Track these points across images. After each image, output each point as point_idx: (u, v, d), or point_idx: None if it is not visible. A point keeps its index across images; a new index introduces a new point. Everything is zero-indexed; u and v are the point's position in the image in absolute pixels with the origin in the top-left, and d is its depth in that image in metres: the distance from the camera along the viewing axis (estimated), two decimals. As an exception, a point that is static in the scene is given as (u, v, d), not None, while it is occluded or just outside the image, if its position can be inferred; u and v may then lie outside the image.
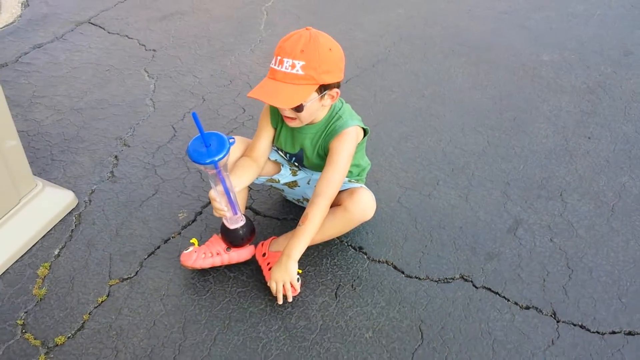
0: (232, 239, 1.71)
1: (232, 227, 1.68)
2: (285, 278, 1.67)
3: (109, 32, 3.18)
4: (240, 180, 1.72)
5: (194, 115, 1.38)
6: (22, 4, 3.51)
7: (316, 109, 1.66)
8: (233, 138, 1.50)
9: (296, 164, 1.90)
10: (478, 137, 2.39)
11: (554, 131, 2.40)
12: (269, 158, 1.89)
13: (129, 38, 3.13)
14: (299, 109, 1.61)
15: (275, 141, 1.85)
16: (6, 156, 1.89)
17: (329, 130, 1.73)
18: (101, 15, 3.33)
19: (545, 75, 2.73)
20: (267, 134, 1.82)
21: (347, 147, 1.71)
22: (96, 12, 3.35)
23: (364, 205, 1.76)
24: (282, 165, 1.93)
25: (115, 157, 2.35)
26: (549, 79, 2.70)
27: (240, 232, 1.69)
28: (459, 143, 2.36)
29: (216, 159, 1.42)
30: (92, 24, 3.26)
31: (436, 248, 1.90)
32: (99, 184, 2.21)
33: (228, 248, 1.79)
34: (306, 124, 1.72)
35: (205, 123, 2.51)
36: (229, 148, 1.45)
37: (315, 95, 1.60)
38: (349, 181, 1.87)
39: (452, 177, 2.19)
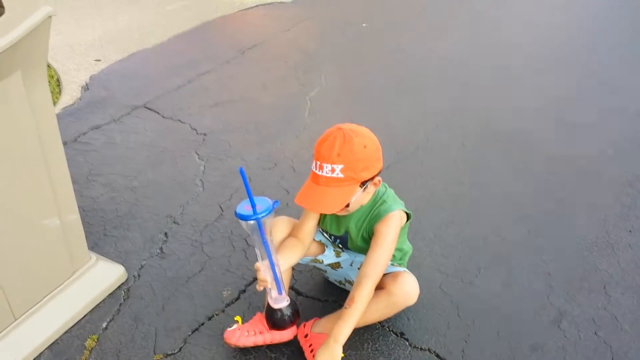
0: (275, 319, 1.72)
1: (276, 306, 1.70)
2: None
3: (163, 117, 3.39)
4: (286, 258, 1.77)
5: (241, 171, 1.47)
6: (82, 88, 3.78)
7: (361, 199, 1.74)
8: (278, 202, 1.57)
9: (340, 245, 1.96)
10: (519, 226, 2.42)
11: (594, 223, 2.42)
12: (314, 239, 1.95)
13: (181, 122, 3.32)
14: (347, 204, 1.69)
15: (320, 223, 1.92)
16: (66, 229, 2.00)
17: (374, 214, 1.79)
18: (156, 101, 3.56)
19: (583, 167, 2.78)
20: (313, 215, 1.88)
21: (392, 230, 1.76)
22: (151, 98, 3.58)
23: (407, 289, 1.79)
24: (326, 246, 1.99)
25: (165, 234, 2.45)
26: (586, 172, 2.75)
27: (285, 312, 1.71)
28: (499, 232, 2.39)
29: (260, 215, 1.51)
30: (147, 108, 3.48)
31: (479, 338, 1.89)
32: (149, 260, 2.30)
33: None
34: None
35: (250, 204, 2.61)
36: (273, 208, 1.54)
37: (358, 189, 1.68)
38: (392, 265, 1.91)
39: (494, 266, 2.21)
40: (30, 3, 1.54)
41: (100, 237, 2.44)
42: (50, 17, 1.63)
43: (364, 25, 4.58)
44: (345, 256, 1.99)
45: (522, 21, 4.55)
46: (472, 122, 3.22)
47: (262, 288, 1.68)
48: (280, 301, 1.71)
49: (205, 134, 3.20)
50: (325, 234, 1.97)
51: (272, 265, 1.61)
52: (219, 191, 2.72)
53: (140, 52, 4.23)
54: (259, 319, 1.88)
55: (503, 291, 2.09)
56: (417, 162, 2.89)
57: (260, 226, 1.52)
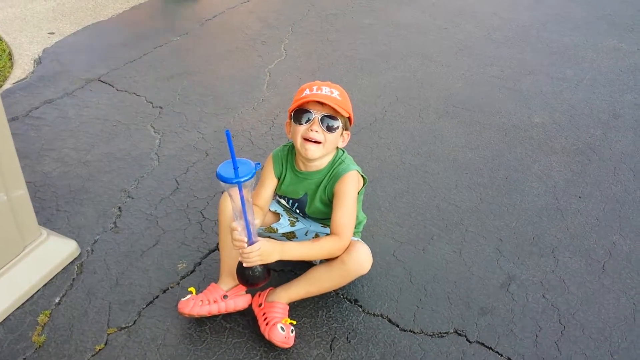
0: (248, 276, 1.70)
1: (244, 264, 1.68)
2: (262, 256, 1.64)
3: (117, 90, 3.31)
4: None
5: (227, 133, 1.45)
6: (34, 61, 3.67)
7: (336, 142, 1.79)
8: (260, 163, 1.56)
9: (298, 210, 1.96)
10: (471, 195, 2.46)
11: (545, 190, 2.48)
12: (268, 209, 1.96)
13: (136, 95, 3.25)
14: (331, 128, 1.73)
15: (277, 189, 1.93)
16: (14, 205, 1.95)
17: (333, 173, 1.83)
18: (111, 74, 3.47)
19: (536, 136, 2.83)
20: (270, 183, 1.91)
21: (351, 188, 1.80)
22: (106, 71, 3.50)
23: (360, 258, 1.81)
24: (281, 216, 1.99)
25: (119, 208, 2.42)
26: (539, 140, 2.80)
27: (257, 267, 1.69)
28: (452, 200, 2.43)
29: (242, 179, 1.48)
30: (101, 81, 3.40)
31: (430, 302, 1.93)
32: (102, 234, 2.27)
33: (247, 290, 1.83)
34: (310, 171, 1.84)
35: (207, 176, 2.59)
36: (255, 172, 1.52)
37: (341, 126, 1.76)
38: (345, 234, 1.93)
39: (446, 233, 2.25)
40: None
41: (53, 213, 2.39)
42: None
43: (324, -4, 4.54)
44: (300, 225, 2.00)
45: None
46: (430, 94, 3.23)
47: (240, 246, 1.64)
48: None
49: (161, 107, 3.14)
50: (283, 200, 1.97)
51: (248, 225, 1.60)
52: (174, 165, 2.68)
53: (95, 25, 4.12)
54: (214, 288, 1.88)
55: (454, 257, 2.13)
56: (375, 134, 2.90)
57: (240, 188, 1.51)
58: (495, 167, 2.63)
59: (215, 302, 1.84)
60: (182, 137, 2.89)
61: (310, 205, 1.90)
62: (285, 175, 1.90)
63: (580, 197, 2.43)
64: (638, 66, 3.43)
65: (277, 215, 2.00)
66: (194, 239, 2.23)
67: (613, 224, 2.28)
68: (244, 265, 1.67)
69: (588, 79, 3.31)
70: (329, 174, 1.84)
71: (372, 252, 1.85)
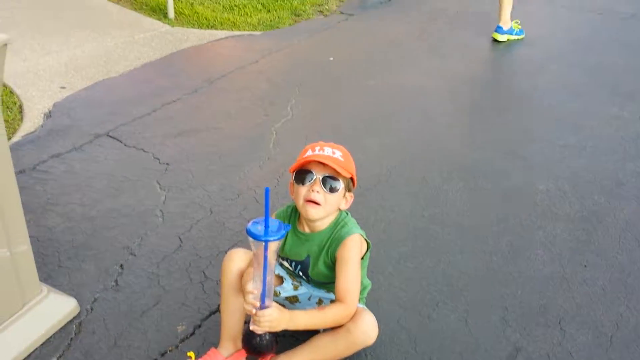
0: (255, 345, 1.66)
1: (254, 329, 1.64)
2: (271, 323, 1.62)
3: (125, 145, 3.35)
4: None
5: (267, 190, 1.49)
6: (44, 114, 3.72)
7: (337, 203, 1.80)
8: (290, 226, 1.60)
9: (301, 273, 1.94)
10: (476, 261, 2.44)
11: (550, 258, 2.46)
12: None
13: (144, 151, 3.29)
14: (333, 189, 1.74)
15: (280, 251, 1.91)
16: (16, 261, 1.94)
17: (335, 236, 1.82)
18: (119, 129, 3.52)
19: (541, 203, 2.84)
20: None
21: (354, 253, 1.79)
22: (115, 126, 3.55)
23: (366, 328, 1.77)
24: (284, 279, 1.98)
25: (121, 265, 2.40)
26: (544, 207, 2.80)
27: (265, 336, 1.65)
28: (457, 265, 2.41)
29: (270, 239, 1.51)
30: (110, 136, 3.44)
31: (435, 373, 1.89)
32: (102, 292, 2.24)
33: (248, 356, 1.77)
34: (312, 232, 1.84)
35: (211, 234, 2.59)
36: (285, 234, 1.55)
37: (343, 187, 1.77)
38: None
39: (452, 300, 2.22)
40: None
41: (54, 269, 2.38)
42: (5, 45, 1.62)
43: (331, 59, 4.65)
44: (303, 289, 1.98)
45: (487, 55, 4.68)
46: (435, 157, 3.26)
47: (251, 310, 1.63)
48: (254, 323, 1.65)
49: (167, 164, 3.17)
50: (285, 262, 1.96)
51: (264, 288, 1.59)
52: (179, 222, 2.68)
53: (106, 80, 4.20)
54: (213, 354, 1.84)
55: (460, 325, 2.09)
56: (379, 196, 2.91)
57: (266, 248, 1.52)
58: (499, 233, 2.62)
59: None
60: (187, 194, 2.90)
61: (314, 268, 1.89)
62: (287, 237, 1.89)
63: (585, 266, 2.41)
64: (639, 135, 3.47)
65: (280, 279, 1.98)
66: (195, 299, 2.20)
67: (619, 295, 2.25)
68: (251, 329, 1.64)
69: (590, 147, 3.34)
70: (331, 237, 1.83)
71: (376, 319, 1.82)
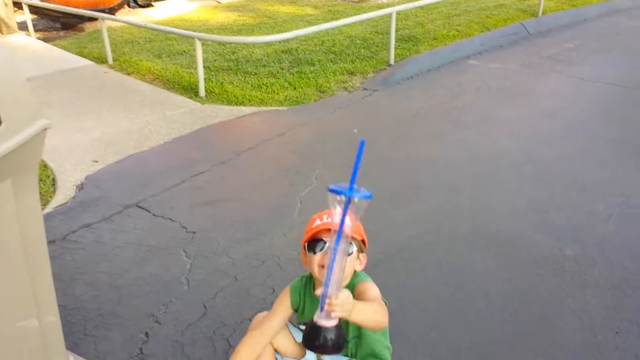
0: (316, 338, 1.51)
1: (322, 323, 1.51)
2: (345, 307, 1.52)
3: (154, 215, 3.43)
4: (247, 356, 1.82)
5: (362, 143, 1.43)
6: (77, 187, 3.86)
7: (352, 266, 1.80)
8: (371, 195, 1.51)
9: None
10: (506, 330, 2.38)
11: (580, 326, 2.39)
12: (295, 340, 1.94)
13: (171, 221, 3.36)
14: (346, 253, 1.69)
15: (299, 318, 1.92)
16: (44, 331, 1.96)
17: (352, 285, 1.83)
18: (149, 200, 3.62)
19: (569, 269, 2.78)
20: (283, 313, 1.90)
21: (373, 286, 1.80)
22: (144, 197, 3.65)
23: None
24: (307, 352, 1.95)
25: (146, 334, 2.41)
26: (572, 273, 2.75)
27: (327, 334, 1.50)
28: (486, 335, 2.35)
29: (354, 195, 1.44)
30: (139, 207, 3.54)
31: None
32: (127, 361, 2.25)
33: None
34: None
35: (235, 302, 2.59)
36: (368, 198, 1.48)
37: (355, 250, 1.78)
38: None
39: (480, 370, 2.16)
40: (28, 116, 1.61)
41: (80, 337, 2.40)
42: (45, 129, 1.71)
43: (355, 131, 4.76)
44: (327, 359, 1.95)
45: (509, 128, 4.74)
46: (460, 226, 3.25)
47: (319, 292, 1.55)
48: (327, 319, 1.52)
49: (194, 232, 3.23)
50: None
51: (332, 264, 1.49)
52: (204, 290, 2.70)
53: (137, 154, 4.36)
54: None
55: (490, 396, 2.02)
56: (403, 262, 2.90)
57: (346, 205, 1.44)
58: (528, 302, 2.57)
59: None
60: (212, 262, 2.93)
61: None
62: (304, 305, 1.90)
63: (617, 333, 2.33)
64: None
65: (303, 350, 1.96)
66: (218, 368, 2.19)
67: (656, 364, 2.16)
68: (318, 323, 1.51)
69: (618, 214, 3.30)
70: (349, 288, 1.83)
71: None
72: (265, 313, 1.97)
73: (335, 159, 4.20)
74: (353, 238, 1.78)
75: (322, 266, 1.77)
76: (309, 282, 1.92)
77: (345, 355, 1.94)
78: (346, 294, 1.54)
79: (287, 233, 3.21)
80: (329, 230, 1.75)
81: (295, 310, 1.93)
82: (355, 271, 1.88)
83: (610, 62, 6.59)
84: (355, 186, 1.47)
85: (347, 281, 1.85)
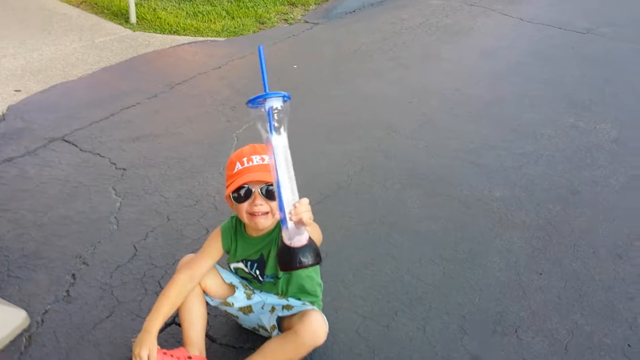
0: (292, 259, 1.41)
1: (294, 244, 1.42)
2: (309, 212, 1.45)
3: (81, 150, 3.26)
4: (174, 299, 1.79)
5: (260, 49, 1.37)
6: (-3, 117, 3.60)
7: None
8: (289, 95, 1.44)
9: (257, 272, 1.90)
10: (435, 268, 2.45)
11: (506, 265, 2.49)
12: (223, 280, 1.93)
13: (100, 156, 3.20)
14: (274, 196, 1.62)
15: (232, 258, 1.91)
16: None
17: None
18: (75, 133, 3.42)
19: (497, 210, 2.87)
20: (213, 254, 1.88)
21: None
22: (71, 130, 3.45)
23: (314, 328, 1.75)
24: (237, 288, 1.94)
25: (73, 275, 2.33)
26: (500, 214, 2.84)
27: (304, 251, 1.42)
28: (416, 273, 2.42)
29: (271, 96, 1.38)
30: (65, 141, 3.34)
31: (392, 382, 1.88)
32: (54, 304, 2.17)
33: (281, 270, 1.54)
34: (261, 235, 1.82)
35: (167, 242, 2.53)
36: (286, 99, 1.41)
37: None
38: (302, 304, 1.90)
39: (410, 308, 2.22)
40: None
41: (4, 279, 2.29)
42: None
43: (294, 67, 4.63)
44: (256, 298, 1.95)
45: (448, 68, 4.74)
46: (395, 165, 3.27)
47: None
48: (297, 236, 1.42)
49: (124, 169, 3.09)
50: (241, 264, 1.92)
51: (278, 183, 1.39)
52: (134, 230, 2.62)
53: (63, 84, 4.09)
54: (179, 350, 1.80)
55: (418, 334, 2.09)
56: (339, 203, 2.90)
57: (270, 116, 1.38)
58: (457, 240, 2.64)
59: (178, 358, 1.75)
60: (143, 201, 2.84)
61: (267, 263, 1.87)
62: (236, 245, 1.88)
63: (541, 274, 2.44)
64: (594, 144, 3.55)
65: (233, 288, 1.95)
66: (149, 310, 2.13)
67: (574, 303, 2.29)
68: (288, 243, 1.42)
69: (547, 156, 3.40)
70: (278, 229, 1.78)
71: (335, 328, 1.81)
72: (192, 255, 1.94)
73: (273, 95, 4.09)
74: None
75: (251, 214, 1.72)
76: (239, 222, 1.88)
77: (275, 293, 1.94)
78: (305, 200, 1.44)
79: (223, 171, 3.11)
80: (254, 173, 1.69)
81: (227, 252, 1.90)
82: None
83: (550, 2, 6.65)
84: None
85: (272, 224, 1.80)
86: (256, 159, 1.74)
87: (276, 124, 1.41)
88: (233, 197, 1.74)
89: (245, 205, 1.73)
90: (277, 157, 1.41)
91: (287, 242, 1.42)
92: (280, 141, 1.42)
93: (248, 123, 3.66)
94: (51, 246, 2.49)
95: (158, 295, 2.08)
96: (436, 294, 2.30)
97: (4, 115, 3.63)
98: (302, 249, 1.42)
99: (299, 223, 1.41)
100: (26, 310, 2.10)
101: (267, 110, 1.41)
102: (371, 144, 3.48)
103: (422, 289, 2.33)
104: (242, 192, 1.72)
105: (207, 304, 1.94)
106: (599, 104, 4.14)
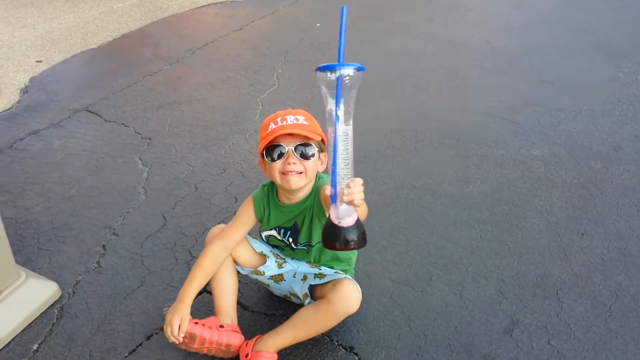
0: (337, 239, 1.34)
1: (343, 223, 1.34)
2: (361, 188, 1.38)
3: (105, 120, 3.22)
4: (208, 269, 1.77)
5: (343, 10, 1.32)
6: (21, 90, 3.58)
7: (315, 167, 1.71)
8: (363, 67, 1.37)
9: (290, 239, 1.86)
10: (470, 231, 2.37)
11: (546, 227, 2.39)
12: (254, 250, 1.89)
13: (125, 126, 3.17)
14: (308, 156, 1.65)
15: (265, 226, 1.86)
16: (-11, 247, 1.85)
17: (316, 191, 1.75)
18: (99, 103, 3.39)
19: (536, 169, 2.76)
20: (246, 225, 1.83)
21: None
22: (94, 100, 3.41)
23: (347, 296, 1.70)
24: (268, 257, 1.90)
25: (103, 246, 2.31)
26: (539, 174, 2.72)
27: (351, 232, 1.34)
28: (451, 237, 2.34)
29: (346, 67, 1.31)
30: (89, 111, 3.31)
31: (430, 350, 1.83)
32: (85, 275, 2.16)
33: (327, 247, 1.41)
34: (295, 202, 1.77)
35: (196, 211, 2.50)
36: (361, 70, 1.34)
37: (317, 150, 1.67)
38: (335, 272, 1.85)
39: (445, 273, 2.15)
40: None
41: (34, 251, 2.29)
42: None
43: (317, 25, 4.49)
44: (287, 267, 1.91)
45: (475, 19, 4.55)
46: (425, 126, 3.16)
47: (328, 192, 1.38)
48: (346, 215, 1.34)
49: (149, 138, 3.05)
50: (274, 231, 1.87)
51: (335, 157, 1.32)
52: (162, 199, 2.59)
53: (84, 53, 4.05)
54: (211, 318, 1.78)
55: (454, 299, 2.03)
56: (370, 167, 2.82)
57: (338, 85, 1.29)
58: (494, 202, 2.55)
59: (210, 327, 1.73)
60: (170, 170, 2.80)
61: (301, 232, 1.82)
62: (269, 213, 1.83)
63: (583, 235, 2.34)
64: (636, 96, 3.37)
65: (264, 257, 1.90)
66: (180, 279, 2.12)
67: (618, 263, 2.19)
68: (337, 222, 1.34)
69: (586, 110, 3.24)
70: (313, 197, 1.76)
71: (368, 294, 1.76)
72: (222, 226, 1.89)
73: (296, 56, 3.98)
74: (311, 139, 1.67)
75: (283, 173, 1.67)
76: (271, 189, 1.83)
77: (307, 261, 1.90)
78: (359, 180, 1.36)
79: (249, 138, 3.07)
80: (286, 135, 1.64)
81: (260, 220, 1.85)
82: (317, 172, 1.78)
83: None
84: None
85: (311, 184, 1.77)
86: (290, 119, 1.67)
87: (344, 95, 1.33)
88: (265, 154, 1.68)
89: (278, 165, 1.67)
90: (338, 129, 1.33)
91: (334, 220, 1.35)
92: (343, 113, 1.34)
93: (272, 87, 3.57)
94: (80, 218, 2.48)
95: (190, 265, 2.06)
96: (472, 258, 2.22)
97: (26, 87, 3.61)
98: (349, 229, 1.35)
99: (350, 203, 1.34)
100: (57, 282, 2.09)
101: (337, 77, 1.32)
102: (399, 104, 3.37)
103: (457, 253, 2.25)
104: (275, 150, 1.66)
105: (238, 272, 1.91)
106: (638, 54, 3.92)
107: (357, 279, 1.88)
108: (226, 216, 2.46)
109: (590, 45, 4.02)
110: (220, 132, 3.12)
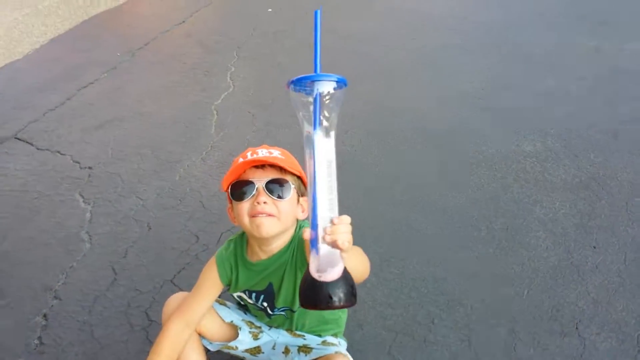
0: (319, 298, 1.03)
1: (324, 278, 1.03)
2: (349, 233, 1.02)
3: (37, 149, 2.80)
4: (169, 354, 1.44)
5: (316, 14, 1.06)
6: (-63, 116, 3.11)
7: (293, 212, 1.39)
8: (344, 80, 1.06)
9: (265, 304, 1.54)
10: (470, 255, 2.08)
11: (553, 241, 2.11)
12: (223, 320, 1.57)
13: (60, 154, 2.75)
14: (282, 195, 1.36)
15: (233, 289, 1.54)
16: None
17: (297, 243, 1.43)
18: (29, 128, 2.95)
19: (531, 169, 2.48)
20: (210, 294, 1.51)
21: None
22: (22, 125, 2.97)
23: None
24: (240, 329, 1.58)
25: (44, 316, 1.95)
26: (536, 174, 2.44)
27: (336, 287, 1.03)
28: (449, 265, 2.05)
29: (321, 80, 1.03)
30: (18, 139, 2.88)
31: (444, 422, 1.55)
32: (26, 356, 1.80)
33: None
34: (268, 257, 1.45)
35: (151, 259, 2.14)
36: (342, 85, 1.05)
37: (294, 190, 1.38)
38: (323, 342, 1.56)
39: (448, 313, 1.86)
40: None
41: (-39, 332, 1.91)
42: None
43: (269, 10, 4.08)
44: (265, 337, 1.60)
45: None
46: (403, 125, 2.84)
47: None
48: (329, 267, 1.04)
49: (90, 167, 2.65)
50: (244, 295, 1.54)
51: (314, 192, 1.03)
52: (110, 246, 2.22)
53: (7, 66, 3.57)
54: None
55: (463, 349, 1.75)
56: (344, 181, 2.47)
57: (316, 104, 1.02)
58: (491, 215, 2.26)
59: None
60: (117, 207, 2.42)
61: (278, 295, 1.49)
62: (237, 275, 1.50)
63: (595, 248, 2.08)
64: (624, 70, 3.11)
65: (235, 329, 1.58)
66: (137, 354, 1.78)
67: (638, 281, 1.94)
68: (316, 277, 1.03)
69: (574, 91, 2.96)
70: (293, 251, 1.44)
71: (362, 350, 1.52)
72: (181, 294, 1.56)
73: (250, 51, 3.58)
74: (287, 173, 1.37)
75: (252, 216, 1.33)
76: (240, 244, 1.50)
77: (287, 329, 1.58)
78: (346, 217, 1.03)
79: (205, 157, 2.69)
80: (257, 169, 1.35)
81: (227, 285, 1.52)
82: (297, 220, 1.45)
83: None
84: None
85: (290, 233, 1.44)
86: (262, 152, 1.38)
87: (325, 116, 1.03)
88: (232, 194, 1.35)
89: (246, 205, 1.34)
90: (317, 157, 1.02)
91: (314, 274, 1.04)
92: (324, 139, 1.03)
93: (226, 90, 3.19)
94: (15, 280, 2.10)
95: (148, 334, 1.75)
96: (477, 290, 1.94)
97: (-55, 111, 3.14)
98: (333, 284, 1.03)
99: (334, 245, 1.01)
100: (-8, 370, 1.74)
101: (314, 96, 1.01)
102: (371, 98, 3.02)
103: (459, 285, 1.96)
104: (243, 187, 1.33)
105: (207, 350, 1.58)
106: (622, 22, 3.64)
107: (348, 331, 1.59)
108: (187, 262, 2.11)
109: (574, 14, 3.72)
110: (172, 152, 2.74)
